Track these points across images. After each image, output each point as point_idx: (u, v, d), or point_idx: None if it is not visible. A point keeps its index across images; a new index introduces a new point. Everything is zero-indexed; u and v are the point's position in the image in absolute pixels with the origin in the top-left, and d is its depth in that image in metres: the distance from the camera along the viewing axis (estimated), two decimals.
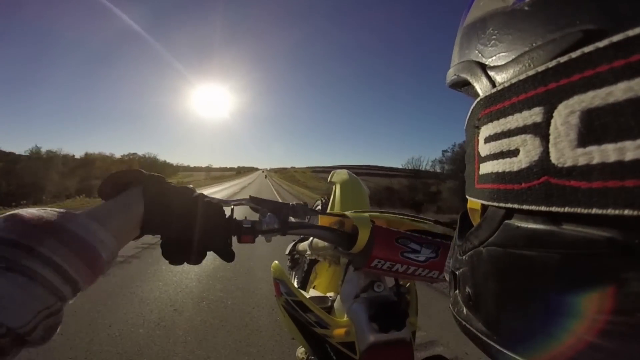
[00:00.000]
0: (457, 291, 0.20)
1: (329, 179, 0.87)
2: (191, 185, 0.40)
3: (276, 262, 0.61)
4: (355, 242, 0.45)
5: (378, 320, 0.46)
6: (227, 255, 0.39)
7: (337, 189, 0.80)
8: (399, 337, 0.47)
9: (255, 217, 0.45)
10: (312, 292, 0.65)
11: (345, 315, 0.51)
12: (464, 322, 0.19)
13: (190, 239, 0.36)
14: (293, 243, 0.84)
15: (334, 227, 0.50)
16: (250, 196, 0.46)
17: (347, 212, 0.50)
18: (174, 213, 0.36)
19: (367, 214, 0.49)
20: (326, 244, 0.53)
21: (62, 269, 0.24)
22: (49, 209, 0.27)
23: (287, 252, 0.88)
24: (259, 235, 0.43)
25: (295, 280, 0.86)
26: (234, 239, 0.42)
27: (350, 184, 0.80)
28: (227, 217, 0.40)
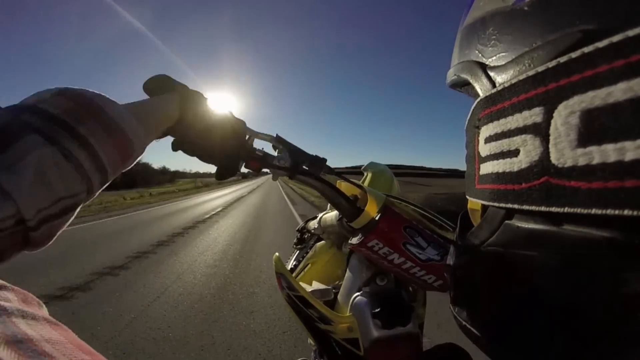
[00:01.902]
0: (457, 291, 0.20)
1: (362, 168, 0.86)
2: (229, 112, 0.41)
3: (277, 254, 0.59)
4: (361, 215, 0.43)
5: (381, 316, 0.44)
6: (225, 174, 0.41)
7: (368, 177, 0.75)
8: (405, 331, 0.44)
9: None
10: (315, 285, 0.62)
11: (348, 310, 0.49)
12: (464, 322, 0.19)
13: (206, 149, 0.39)
14: (305, 220, 0.83)
15: (344, 194, 0.47)
16: (276, 134, 0.45)
17: (365, 186, 0.47)
18: (202, 128, 0.38)
19: (385, 195, 0.45)
20: (333, 219, 0.51)
21: (97, 155, 0.23)
22: (92, 90, 0.25)
23: (297, 228, 0.87)
24: (266, 168, 0.43)
25: (295, 259, 0.84)
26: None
27: (383, 175, 0.76)
28: (245, 139, 0.42)
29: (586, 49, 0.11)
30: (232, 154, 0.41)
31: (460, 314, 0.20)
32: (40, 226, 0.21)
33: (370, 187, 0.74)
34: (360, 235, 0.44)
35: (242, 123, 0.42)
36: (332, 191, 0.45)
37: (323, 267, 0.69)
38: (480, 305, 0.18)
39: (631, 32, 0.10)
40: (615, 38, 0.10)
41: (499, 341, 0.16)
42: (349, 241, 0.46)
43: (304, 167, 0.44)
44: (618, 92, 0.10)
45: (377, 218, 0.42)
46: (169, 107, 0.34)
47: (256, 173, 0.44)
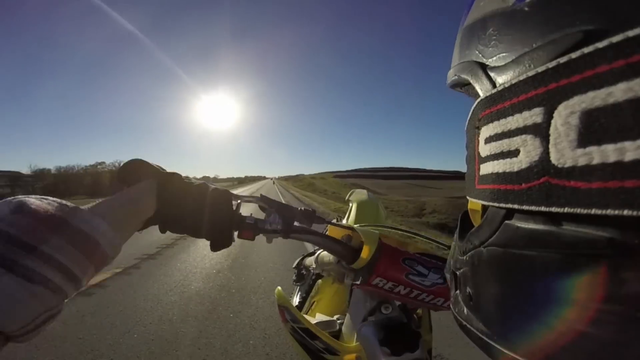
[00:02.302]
0: (457, 291, 0.20)
1: (346, 197, 0.86)
2: (211, 185, 0.41)
3: (279, 288, 0.59)
4: (359, 256, 0.44)
5: (389, 344, 0.44)
6: (220, 246, 0.41)
7: (353, 208, 0.78)
8: (413, 357, 0.45)
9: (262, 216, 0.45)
10: (318, 317, 0.62)
11: (355, 340, 0.49)
12: (464, 322, 0.19)
13: (195, 226, 0.39)
14: (301, 257, 0.83)
15: (339, 240, 0.48)
16: (261, 195, 0.46)
17: (355, 226, 0.48)
18: (187, 210, 0.37)
19: (376, 230, 0.47)
20: (331, 258, 0.52)
21: (65, 267, 0.24)
22: (52, 199, 0.26)
23: (294, 265, 0.86)
24: (260, 234, 0.44)
25: (298, 295, 0.85)
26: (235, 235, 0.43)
27: (368, 204, 0.79)
28: (233, 210, 0.42)
29: (586, 49, 0.11)
30: (223, 226, 0.40)
31: (461, 314, 0.20)
32: (22, 337, 0.22)
33: (358, 218, 0.75)
34: (361, 277, 0.45)
35: (227, 193, 0.41)
36: (327, 240, 0.47)
37: (330, 302, 0.70)
38: (480, 305, 0.18)
39: (631, 33, 0.10)
40: (615, 38, 0.10)
41: (499, 341, 0.16)
42: (352, 281, 0.47)
43: (296, 222, 0.45)
44: (618, 92, 0.10)
45: (374, 257, 0.43)
46: (144, 198, 0.34)
47: (252, 240, 0.45)
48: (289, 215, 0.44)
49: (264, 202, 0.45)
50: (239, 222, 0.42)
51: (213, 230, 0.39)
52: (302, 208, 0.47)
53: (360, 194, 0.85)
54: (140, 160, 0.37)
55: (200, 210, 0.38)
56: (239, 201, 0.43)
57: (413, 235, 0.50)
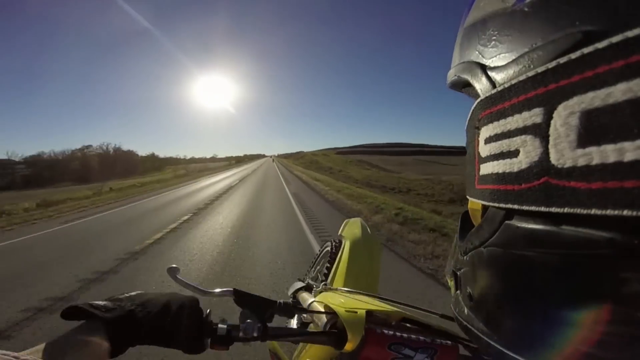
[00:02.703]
0: (458, 291, 0.20)
1: (340, 231, 0.83)
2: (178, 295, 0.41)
3: None
4: (345, 341, 0.44)
5: None
6: (189, 353, 0.39)
7: (346, 248, 0.76)
8: None
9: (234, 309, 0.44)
10: None
11: None
12: (465, 322, 0.19)
13: (162, 339, 0.38)
14: (299, 286, 0.82)
15: (324, 328, 0.48)
16: (234, 289, 0.44)
17: (339, 309, 0.48)
18: (150, 334, 0.37)
19: (362, 311, 0.46)
20: (323, 321, 0.53)
21: None
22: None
23: (290, 292, 0.85)
24: (236, 342, 0.42)
25: (295, 321, 0.84)
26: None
27: (362, 245, 0.77)
28: (203, 318, 0.40)
29: (586, 50, 0.11)
30: (191, 337, 0.39)
31: (462, 314, 0.20)
32: None
33: (351, 263, 0.73)
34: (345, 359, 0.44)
35: (195, 302, 0.40)
36: (309, 336, 0.46)
37: (320, 348, 0.70)
38: (480, 305, 0.18)
39: (630, 33, 0.10)
40: (615, 39, 0.10)
41: (499, 341, 0.16)
42: None
43: (274, 314, 0.44)
44: (617, 92, 0.10)
45: (358, 348, 0.43)
46: (89, 343, 0.33)
47: (226, 350, 0.43)
48: (267, 313, 0.43)
49: (238, 296, 0.43)
50: (211, 334, 0.41)
51: (182, 342, 0.39)
52: (282, 301, 0.45)
53: (355, 227, 0.82)
54: (77, 306, 0.35)
55: (166, 329, 0.38)
56: (208, 310, 0.42)
57: (402, 305, 0.49)
